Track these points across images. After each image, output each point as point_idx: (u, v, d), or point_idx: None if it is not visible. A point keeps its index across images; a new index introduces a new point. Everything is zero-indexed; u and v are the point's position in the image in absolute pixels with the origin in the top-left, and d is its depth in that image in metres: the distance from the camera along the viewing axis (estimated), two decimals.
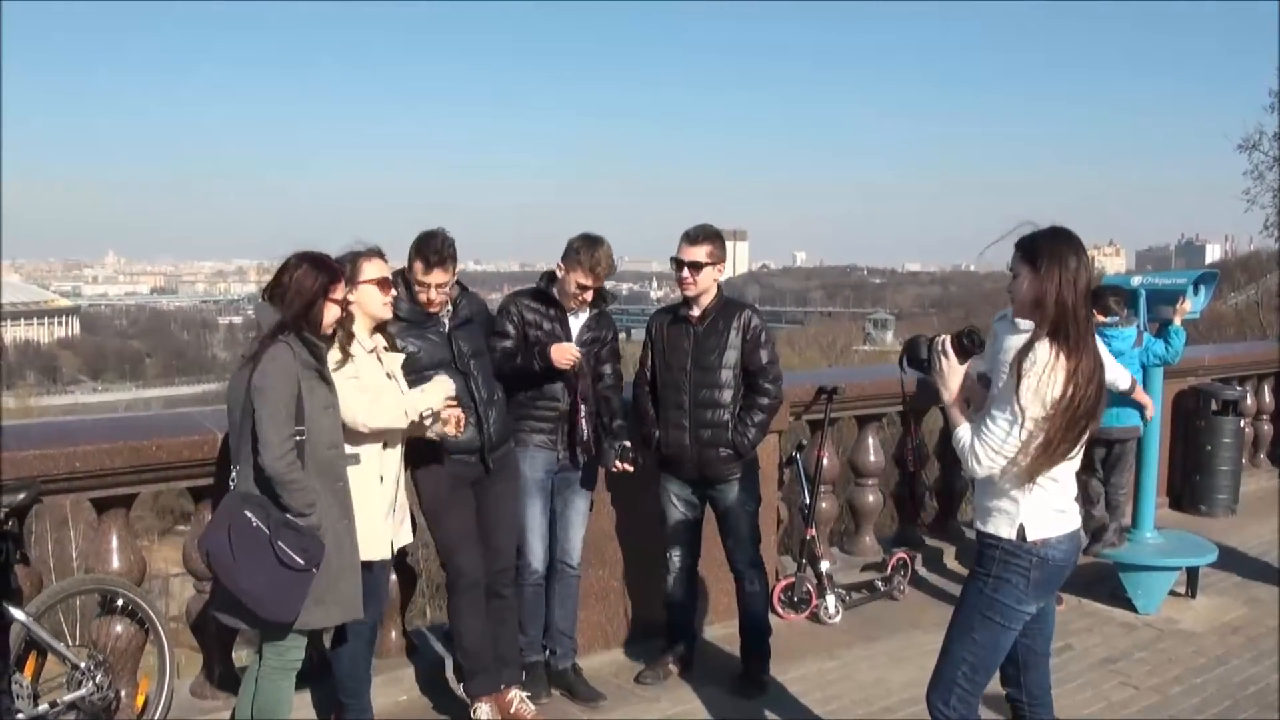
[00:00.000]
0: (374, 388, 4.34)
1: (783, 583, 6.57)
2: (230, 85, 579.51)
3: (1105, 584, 6.94)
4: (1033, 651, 3.83)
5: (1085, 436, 3.53)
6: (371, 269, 4.44)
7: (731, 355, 5.31)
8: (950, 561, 7.57)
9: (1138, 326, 6.81)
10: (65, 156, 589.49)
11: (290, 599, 3.88)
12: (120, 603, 4.67)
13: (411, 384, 4.56)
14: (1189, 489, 9.29)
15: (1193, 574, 6.97)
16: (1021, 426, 3.41)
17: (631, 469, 5.27)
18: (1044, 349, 3.40)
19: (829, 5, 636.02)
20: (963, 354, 3.66)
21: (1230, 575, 7.38)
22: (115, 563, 4.80)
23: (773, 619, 5.79)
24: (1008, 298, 3.69)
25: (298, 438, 3.88)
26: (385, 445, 4.46)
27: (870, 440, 7.50)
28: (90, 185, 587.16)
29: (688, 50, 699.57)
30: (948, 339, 3.68)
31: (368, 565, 4.32)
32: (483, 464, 4.90)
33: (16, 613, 4.21)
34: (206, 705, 4.98)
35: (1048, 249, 3.48)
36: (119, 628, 4.70)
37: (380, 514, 4.43)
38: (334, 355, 4.20)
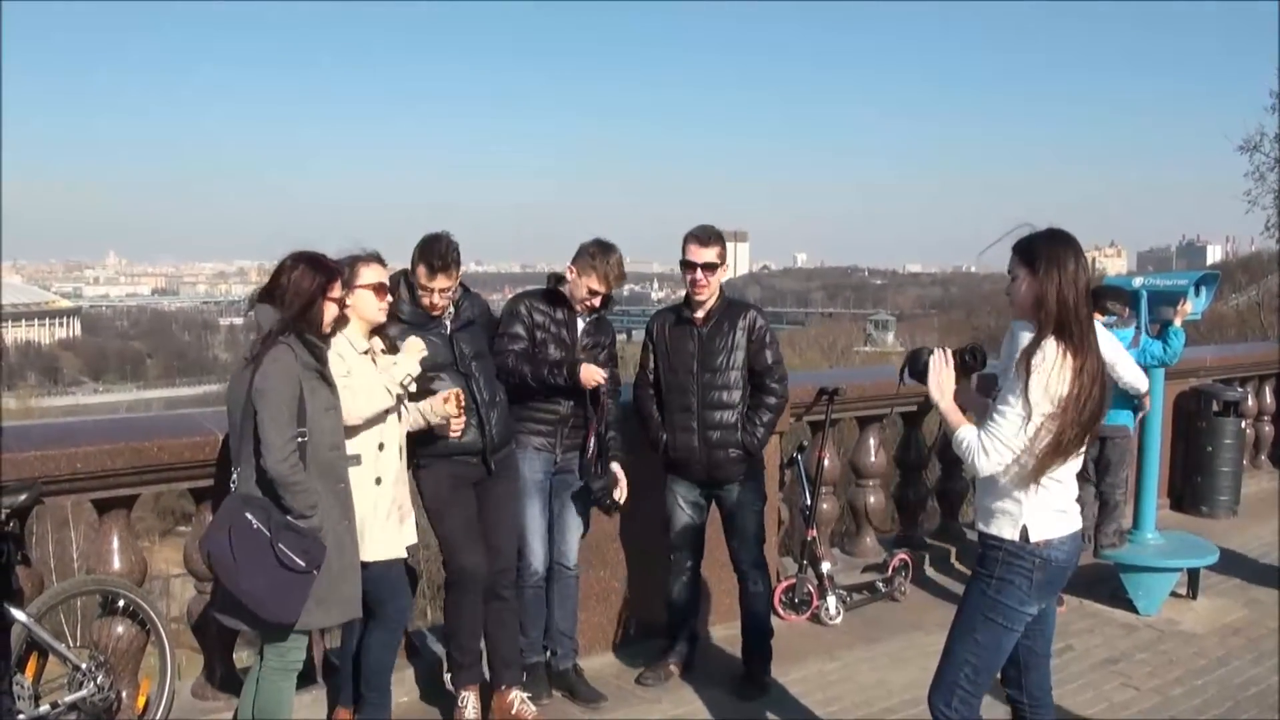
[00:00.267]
0: (365, 388, 4.35)
1: (784, 584, 6.57)
2: (231, 85, 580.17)
3: (1106, 585, 6.94)
4: (1033, 653, 3.82)
5: (1090, 431, 3.54)
6: (369, 274, 4.44)
7: (738, 356, 5.32)
8: (952, 562, 7.57)
9: (1135, 327, 6.81)
10: (66, 157, 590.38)
11: (291, 600, 3.88)
12: (121, 604, 4.67)
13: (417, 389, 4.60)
14: (1190, 490, 9.29)
15: (1194, 575, 6.97)
16: (1029, 422, 3.42)
17: (607, 515, 5.31)
18: (1051, 346, 3.42)
19: (829, 5, 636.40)
20: (964, 370, 3.67)
21: (1231, 576, 7.37)
22: (116, 564, 4.80)
23: (774, 620, 5.79)
24: (1007, 299, 3.69)
25: (299, 439, 3.89)
26: (381, 447, 4.47)
27: (871, 441, 7.50)
28: (91, 186, 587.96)
29: (688, 50, 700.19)
30: (949, 350, 3.70)
31: (367, 565, 4.32)
32: (484, 465, 4.91)
33: (18, 614, 4.21)
34: (207, 706, 4.98)
35: (1046, 251, 3.49)
36: (120, 629, 4.70)
37: (380, 515, 4.44)
38: (333, 354, 4.21)
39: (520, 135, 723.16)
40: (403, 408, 4.56)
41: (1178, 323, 6.78)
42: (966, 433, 3.58)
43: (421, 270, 4.72)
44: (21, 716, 4.21)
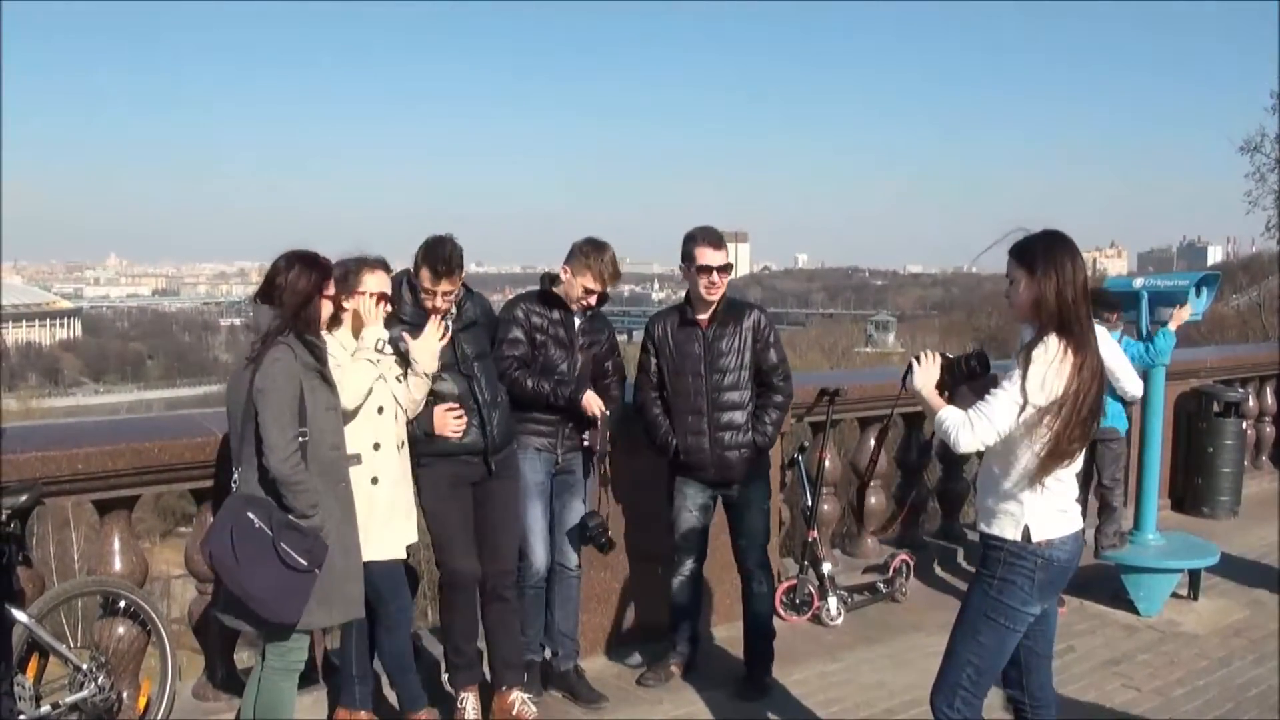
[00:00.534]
0: (348, 371, 4.37)
1: (785, 585, 6.56)
2: (232, 85, 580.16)
3: (1107, 586, 6.93)
4: (1034, 653, 3.83)
5: (1091, 433, 3.54)
6: (373, 281, 4.47)
7: (745, 356, 5.34)
8: (953, 563, 7.57)
9: (1121, 331, 6.81)
10: (67, 157, 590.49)
11: (293, 600, 3.89)
12: (122, 604, 4.67)
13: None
14: (1191, 491, 9.29)
15: (1195, 576, 6.97)
16: (1021, 410, 3.44)
17: (602, 553, 5.36)
18: (1054, 342, 3.44)
19: (830, 6, 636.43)
20: (969, 376, 3.69)
21: (1232, 577, 7.36)
22: (117, 564, 4.80)
23: (775, 621, 5.79)
24: (1007, 304, 3.71)
25: (301, 439, 3.90)
26: (377, 446, 4.48)
27: (872, 442, 7.49)
28: (92, 187, 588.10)
29: (688, 51, 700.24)
30: (942, 353, 3.76)
31: (367, 565, 4.33)
32: (485, 465, 4.91)
33: (19, 614, 4.21)
34: (208, 707, 4.98)
35: (1043, 252, 3.51)
36: (121, 629, 4.70)
37: (378, 515, 4.45)
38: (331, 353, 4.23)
39: (520, 136, 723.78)
40: (395, 395, 4.57)
41: (1172, 326, 6.78)
42: (948, 412, 3.60)
43: (426, 274, 4.72)
44: (22, 717, 4.21)
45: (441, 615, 5.10)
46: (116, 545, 4.81)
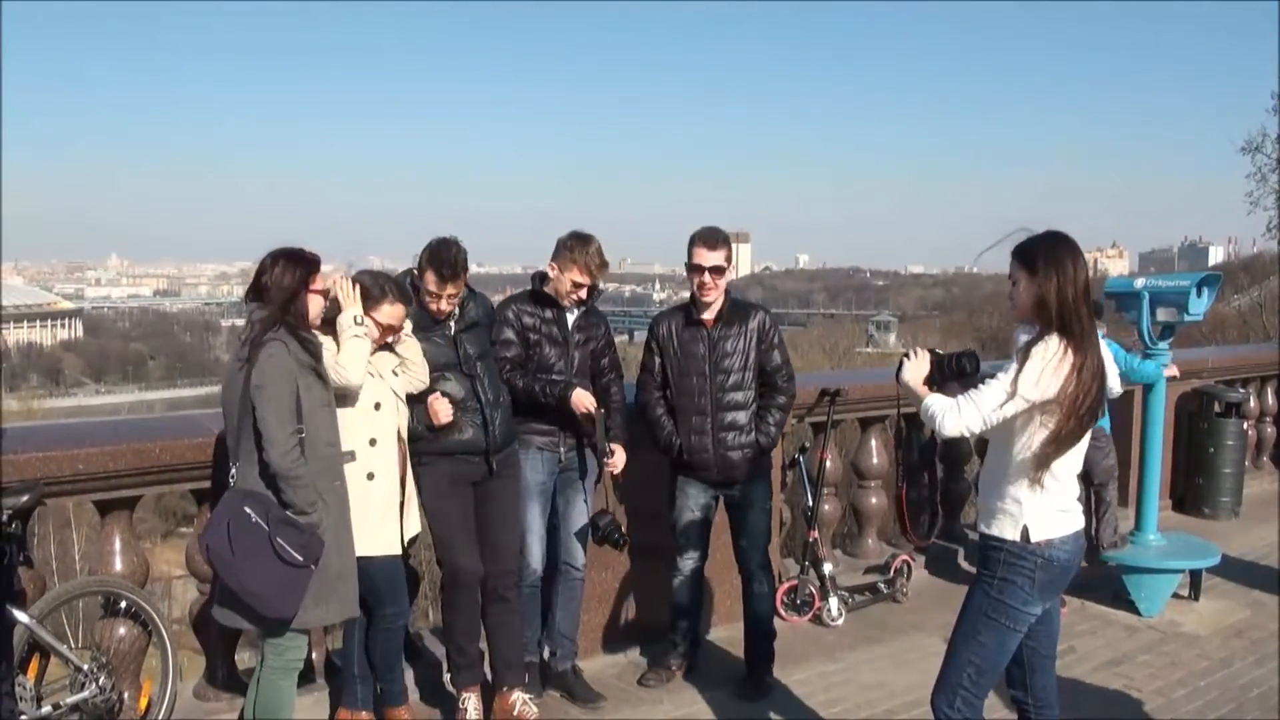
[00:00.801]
0: (343, 350, 4.35)
1: (786, 585, 6.57)
2: (233, 85, 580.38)
3: (1108, 587, 6.94)
4: (1038, 654, 3.83)
5: (1087, 429, 3.54)
6: (388, 312, 4.49)
7: (749, 357, 5.35)
8: (954, 563, 7.57)
9: (1104, 331, 6.83)
10: (67, 158, 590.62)
11: (290, 595, 3.91)
12: (123, 605, 4.68)
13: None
14: (1192, 492, 9.29)
15: (1196, 577, 6.98)
16: (1010, 399, 3.46)
17: (617, 550, 5.35)
18: (1055, 341, 3.46)
19: (834, 6, 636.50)
20: (958, 374, 3.71)
21: (1233, 578, 7.37)
22: (118, 565, 4.80)
23: (776, 621, 5.79)
24: (1008, 304, 3.72)
25: (298, 435, 3.91)
26: (374, 442, 4.49)
27: (873, 442, 7.50)
28: (93, 187, 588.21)
29: (690, 51, 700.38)
30: (927, 350, 3.80)
31: (367, 561, 4.35)
32: (486, 464, 4.91)
33: (20, 615, 4.21)
34: (209, 707, 4.98)
35: (1045, 252, 3.52)
36: (122, 630, 4.71)
37: (374, 512, 4.46)
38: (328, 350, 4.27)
39: (523, 136, 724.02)
40: (393, 389, 4.58)
41: (1166, 373, 6.87)
42: (934, 399, 3.63)
43: (431, 277, 4.73)
44: (24, 718, 4.21)
45: (444, 615, 5.09)
46: (117, 545, 4.82)
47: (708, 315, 5.35)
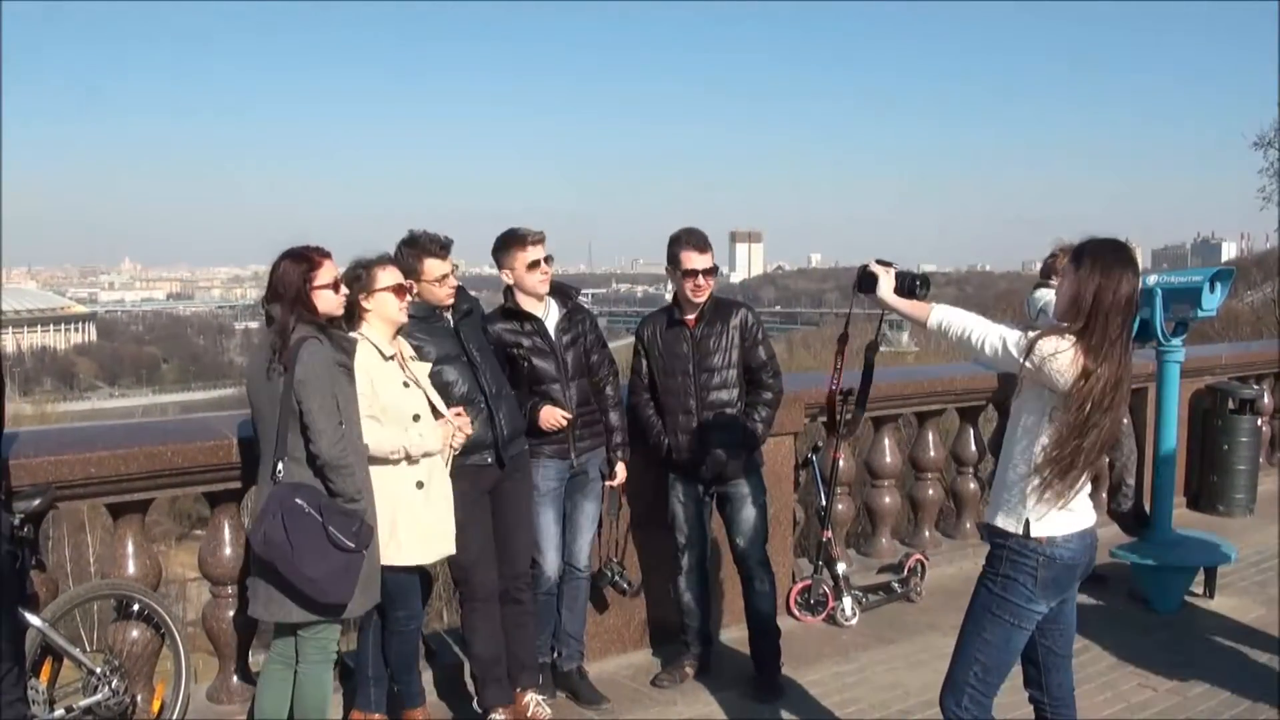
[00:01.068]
0: (391, 417, 4.43)
1: (799, 585, 6.55)
2: (245, 89, 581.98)
3: (1123, 584, 6.91)
4: (1053, 653, 3.80)
5: (1099, 438, 3.48)
6: (386, 276, 4.49)
7: (733, 354, 5.38)
8: (969, 562, 7.54)
9: None
10: (81, 162, 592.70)
11: (344, 581, 4.06)
12: (136, 608, 4.68)
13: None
14: (1206, 489, 9.23)
15: (1210, 574, 6.94)
16: (1019, 345, 3.48)
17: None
18: (1068, 340, 3.40)
19: (834, 6, 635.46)
20: (911, 293, 3.86)
21: (1248, 575, 7.34)
22: (131, 568, 4.80)
23: (790, 621, 5.78)
24: (1021, 300, 3.71)
25: (342, 426, 4.08)
26: (426, 454, 4.54)
27: (886, 441, 7.48)
28: (106, 191, 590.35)
29: (702, 51, 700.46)
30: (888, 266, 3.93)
31: (387, 568, 4.42)
32: (498, 460, 4.87)
33: (33, 618, 4.21)
34: (223, 710, 4.98)
35: (1094, 252, 3.46)
36: (135, 633, 4.71)
37: (419, 522, 4.51)
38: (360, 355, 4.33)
39: (531, 136, 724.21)
40: (430, 398, 4.59)
41: None
42: (945, 308, 3.72)
43: (431, 263, 4.71)
44: None
45: (465, 633, 5.02)
46: (130, 549, 4.82)
47: (690, 315, 5.37)
